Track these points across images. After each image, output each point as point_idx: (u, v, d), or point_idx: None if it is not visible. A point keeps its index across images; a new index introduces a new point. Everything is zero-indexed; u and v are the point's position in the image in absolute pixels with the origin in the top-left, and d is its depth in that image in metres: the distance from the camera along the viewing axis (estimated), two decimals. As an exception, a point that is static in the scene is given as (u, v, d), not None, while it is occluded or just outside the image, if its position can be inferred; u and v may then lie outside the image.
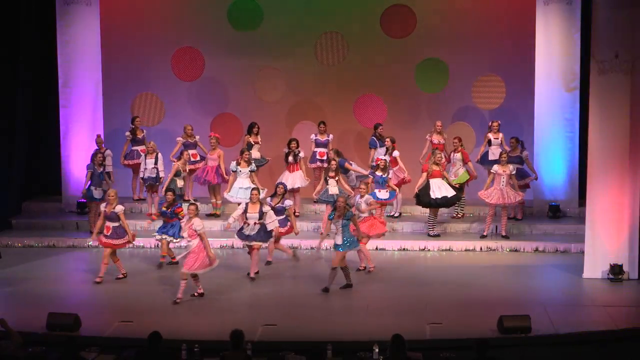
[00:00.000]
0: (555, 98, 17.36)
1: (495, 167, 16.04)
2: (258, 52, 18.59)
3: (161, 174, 16.76)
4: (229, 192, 16.25)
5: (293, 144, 17.04)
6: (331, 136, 17.54)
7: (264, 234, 14.17)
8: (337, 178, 15.95)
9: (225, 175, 16.80)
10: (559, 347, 11.34)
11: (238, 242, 14.91)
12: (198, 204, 13.99)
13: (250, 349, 10.30)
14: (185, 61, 18.78)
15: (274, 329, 11.95)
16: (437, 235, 16.33)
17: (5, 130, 17.51)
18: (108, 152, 16.99)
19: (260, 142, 17.47)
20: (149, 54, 18.71)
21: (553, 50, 17.27)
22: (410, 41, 18.51)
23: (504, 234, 16.24)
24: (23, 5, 17.82)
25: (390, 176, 16.04)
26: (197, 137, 17.55)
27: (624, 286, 13.92)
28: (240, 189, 15.88)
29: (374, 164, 16.81)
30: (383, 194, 15.76)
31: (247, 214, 14.10)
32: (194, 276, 13.17)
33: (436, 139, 17.25)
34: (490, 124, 17.27)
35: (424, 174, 16.10)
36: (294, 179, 16.99)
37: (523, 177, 16.76)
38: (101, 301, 13.42)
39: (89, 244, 15.81)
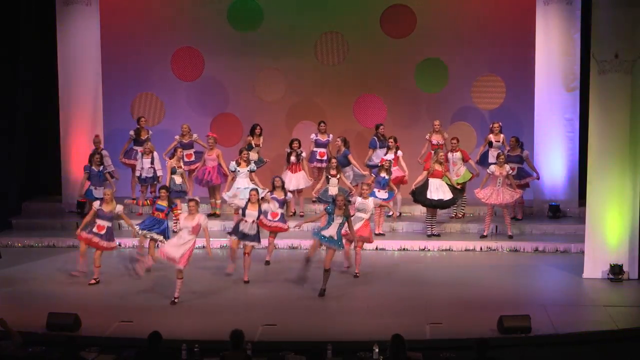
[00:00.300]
0: (555, 98, 17.36)
1: (492, 168, 16.02)
2: (258, 52, 18.59)
3: (159, 173, 16.80)
4: (228, 192, 16.25)
5: (295, 144, 17.04)
6: (331, 136, 17.54)
7: (257, 235, 14.13)
8: (338, 176, 15.94)
9: (227, 173, 16.83)
10: (559, 347, 11.34)
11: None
12: (198, 198, 13.98)
13: (250, 349, 10.30)
14: (185, 61, 18.78)
15: (274, 329, 11.94)
16: (436, 235, 16.33)
17: (5, 130, 17.52)
18: (104, 152, 16.93)
19: (261, 145, 17.43)
20: (149, 54, 18.72)
21: (553, 50, 17.27)
22: (410, 41, 18.51)
23: (509, 233, 16.21)
24: (23, 5, 17.82)
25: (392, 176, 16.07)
26: (195, 135, 17.48)
27: (624, 286, 13.92)
28: (238, 189, 15.88)
29: (371, 163, 16.84)
30: (382, 194, 15.76)
31: (246, 212, 14.06)
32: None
33: (435, 139, 17.25)
34: (491, 125, 17.23)
35: (425, 172, 16.10)
36: (297, 179, 16.99)
37: (523, 176, 16.76)
38: (101, 301, 13.41)
39: (89, 244, 15.81)
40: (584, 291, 13.88)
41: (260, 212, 14.09)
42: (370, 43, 18.55)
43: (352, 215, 13.86)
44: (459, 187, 16.43)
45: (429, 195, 15.98)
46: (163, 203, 14.50)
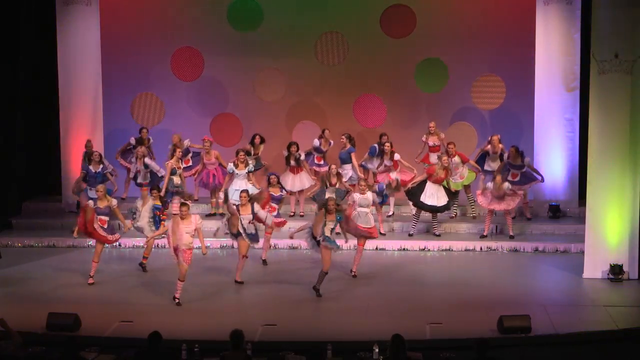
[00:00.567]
0: (555, 98, 17.38)
1: (489, 185, 15.97)
2: (258, 52, 18.59)
3: (161, 173, 16.77)
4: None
5: (293, 148, 16.93)
6: (332, 143, 17.39)
7: (256, 234, 14.10)
8: (337, 185, 15.75)
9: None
10: (559, 347, 11.34)
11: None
12: (190, 202, 13.98)
13: (250, 349, 10.30)
14: (185, 61, 18.78)
15: (274, 329, 11.94)
16: (437, 235, 16.38)
17: (5, 130, 17.52)
18: (96, 153, 16.81)
19: (259, 153, 17.29)
20: (148, 54, 18.72)
21: (553, 50, 17.28)
22: (410, 41, 18.51)
23: (510, 233, 16.23)
24: (23, 5, 17.84)
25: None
26: (187, 142, 17.31)
27: (624, 286, 13.92)
28: (236, 190, 15.84)
29: (364, 164, 16.79)
30: (377, 198, 15.76)
31: (240, 216, 13.91)
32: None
33: (431, 140, 17.23)
34: (490, 138, 16.97)
35: (425, 175, 16.12)
36: (301, 180, 16.95)
37: (527, 181, 16.71)
38: (101, 301, 13.41)
39: (89, 243, 15.78)
40: (584, 291, 13.87)
41: (253, 212, 13.99)
42: (370, 43, 18.55)
43: (354, 211, 13.97)
44: (458, 189, 16.52)
45: (422, 198, 16.06)
46: (158, 202, 14.72)
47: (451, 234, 16.68)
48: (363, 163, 17.11)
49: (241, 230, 13.82)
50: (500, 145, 16.83)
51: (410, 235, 16.46)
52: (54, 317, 11.82)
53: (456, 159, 16.70)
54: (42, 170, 18.70)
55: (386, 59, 18.54)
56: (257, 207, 14.08)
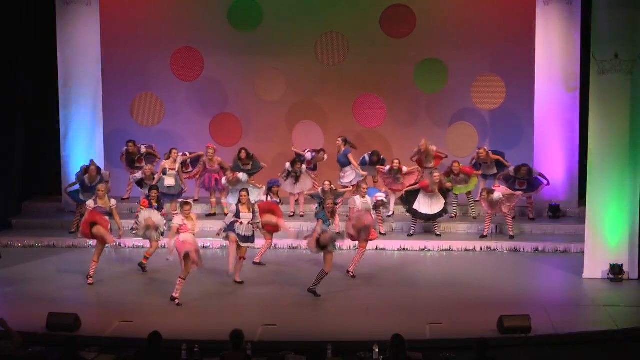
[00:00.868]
0: (555, 98, 17.38)
1: (486, 198, 16.00)
2: (258, 52, 18.57)
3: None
4: (226, 198, 16.44)
5: (297, 165, 16.84)
6: (326, 157, 17.24)
7: (253, 236, 14.04)
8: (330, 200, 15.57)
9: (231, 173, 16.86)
10: (559, 347, 11.34)
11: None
12: (191, 201, 13.95)
13: (250, 349, 10.29)
14: (185, 61, 18.75)
15: (274, 329, 11.95)
16: (437, 235, 16.44)
17: (5, 130, 17.52)
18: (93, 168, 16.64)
19: (249, 165, 17.17)
20: (148, 54, 18.70)
21: (553, 50, 17.28)
22: (410, 41, 18.49)
23: (510, 233, 16.25)
24: (23, 5, 17.82)
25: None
26: (180, 155, 17.21)
27: (624, 286, 13.93)
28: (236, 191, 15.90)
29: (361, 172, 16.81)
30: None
31: (240, 214, 13.87)
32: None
33: (420, 159, 17.00)
34: (477, 151, 16.97)
35: (418, 186, 16.20)
36: (304, 180, 16.97)
37: (535, 188, 16.75)
38: (101, 301, 13.42)
39: (89, 243, 15.79)
40: (584, 291, 13.88)
41: (254, 213, 13.98)
42: (370, 43, 18.52)
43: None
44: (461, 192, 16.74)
45: (415, 206, 16.16)
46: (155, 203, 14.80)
47: (451, 234, 16.69)
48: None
49: (239, 240, 13.85)
50: (491, 156, 16.94)
51: (410, 235, 16.48)
52: (54, 317, 11.82)
53: (462, 175, 16.67)
54: (42, 170, 18.69)
55: (386, 59, 18.52)
56: (257, 208, 14.09)
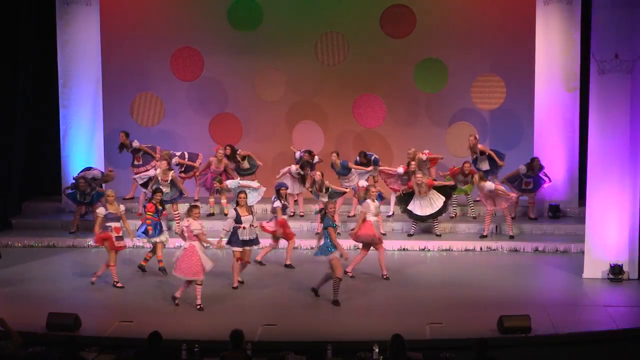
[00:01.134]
0: (555, 98, 17.38)
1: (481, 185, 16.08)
2: (258, 52, 18.58)
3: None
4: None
5: (307, 169, 16.88)
6: (319, 174, 17.08)
7: (257, 238, 14.00)
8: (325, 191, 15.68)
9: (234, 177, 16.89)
10: (559, 347, 11.34)
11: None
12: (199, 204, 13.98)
13: (250, 349, 10.30)
14: (184, 61, 18.76)
15: (274, 329, 11.95)
16: (438, 235, 16.45)
17: (5, 130, 17.52)
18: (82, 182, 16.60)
19: (245, 164, 17.32)
20: (148, 54, 18.71)
21: (553, 50, 17.28)
22: (410, 41, 18.49)
23: (510, 233, 16.26)
24: (23, 5, 17.82)
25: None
26: (175, 159, 17.31)
27: (624, 286, 13.93)
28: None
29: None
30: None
31: (241, 218, 13.74)
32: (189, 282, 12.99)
33: (413, 166, 16.63)
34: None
35: (407, 186, 16.25)
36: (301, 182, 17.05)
37: (539, 186, 16.79)
38: (101, 301, 13.41)
39: (89, 243, 15.80)
40: (584, 291, 13.88)
41: (254, 215, 13.94)
42: (370, 43, 18.53)
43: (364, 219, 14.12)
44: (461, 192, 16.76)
45: (411, 207, 16.17)
46: (160, 206, 14.72)
47: (451, 234, 16.69)
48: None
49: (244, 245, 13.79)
50: (479, 146, 16.98)
51: (410, 235, 16.48)
52: (54, 317, 11.83)
53: (470, 177, 16.65)
54: (42, 170, 18.70)
55: (386, 59, 18.52)
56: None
